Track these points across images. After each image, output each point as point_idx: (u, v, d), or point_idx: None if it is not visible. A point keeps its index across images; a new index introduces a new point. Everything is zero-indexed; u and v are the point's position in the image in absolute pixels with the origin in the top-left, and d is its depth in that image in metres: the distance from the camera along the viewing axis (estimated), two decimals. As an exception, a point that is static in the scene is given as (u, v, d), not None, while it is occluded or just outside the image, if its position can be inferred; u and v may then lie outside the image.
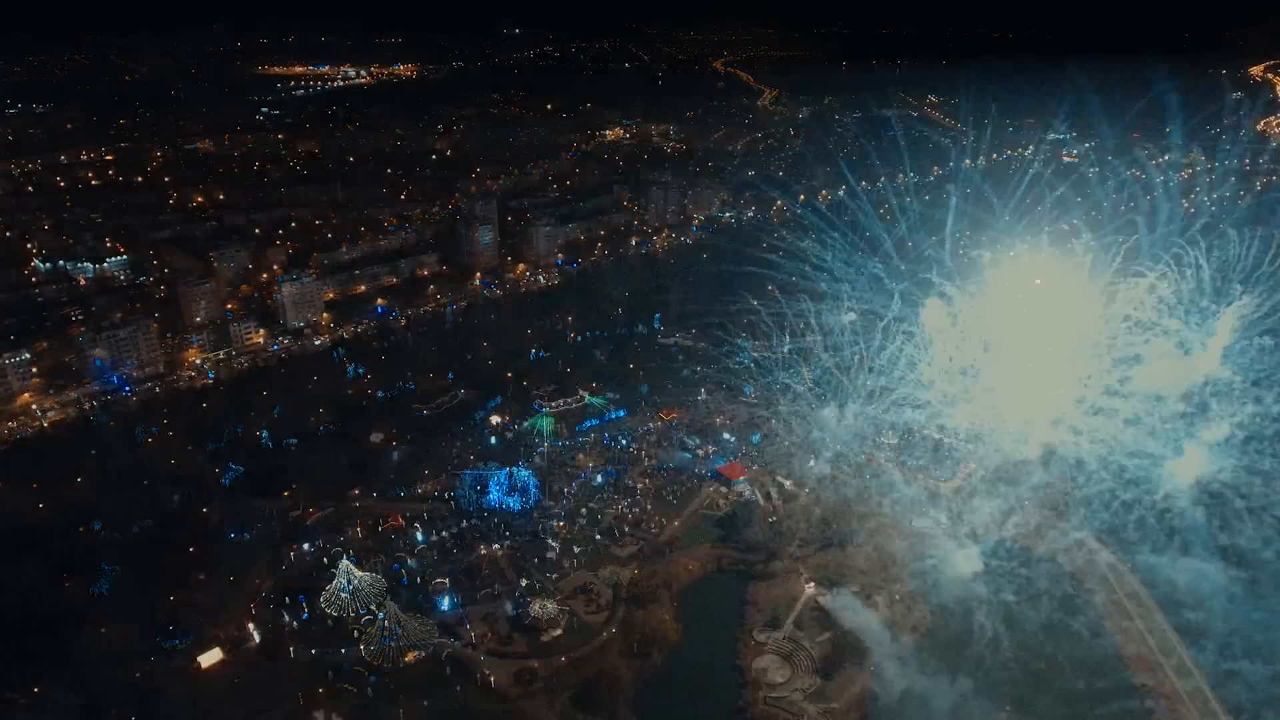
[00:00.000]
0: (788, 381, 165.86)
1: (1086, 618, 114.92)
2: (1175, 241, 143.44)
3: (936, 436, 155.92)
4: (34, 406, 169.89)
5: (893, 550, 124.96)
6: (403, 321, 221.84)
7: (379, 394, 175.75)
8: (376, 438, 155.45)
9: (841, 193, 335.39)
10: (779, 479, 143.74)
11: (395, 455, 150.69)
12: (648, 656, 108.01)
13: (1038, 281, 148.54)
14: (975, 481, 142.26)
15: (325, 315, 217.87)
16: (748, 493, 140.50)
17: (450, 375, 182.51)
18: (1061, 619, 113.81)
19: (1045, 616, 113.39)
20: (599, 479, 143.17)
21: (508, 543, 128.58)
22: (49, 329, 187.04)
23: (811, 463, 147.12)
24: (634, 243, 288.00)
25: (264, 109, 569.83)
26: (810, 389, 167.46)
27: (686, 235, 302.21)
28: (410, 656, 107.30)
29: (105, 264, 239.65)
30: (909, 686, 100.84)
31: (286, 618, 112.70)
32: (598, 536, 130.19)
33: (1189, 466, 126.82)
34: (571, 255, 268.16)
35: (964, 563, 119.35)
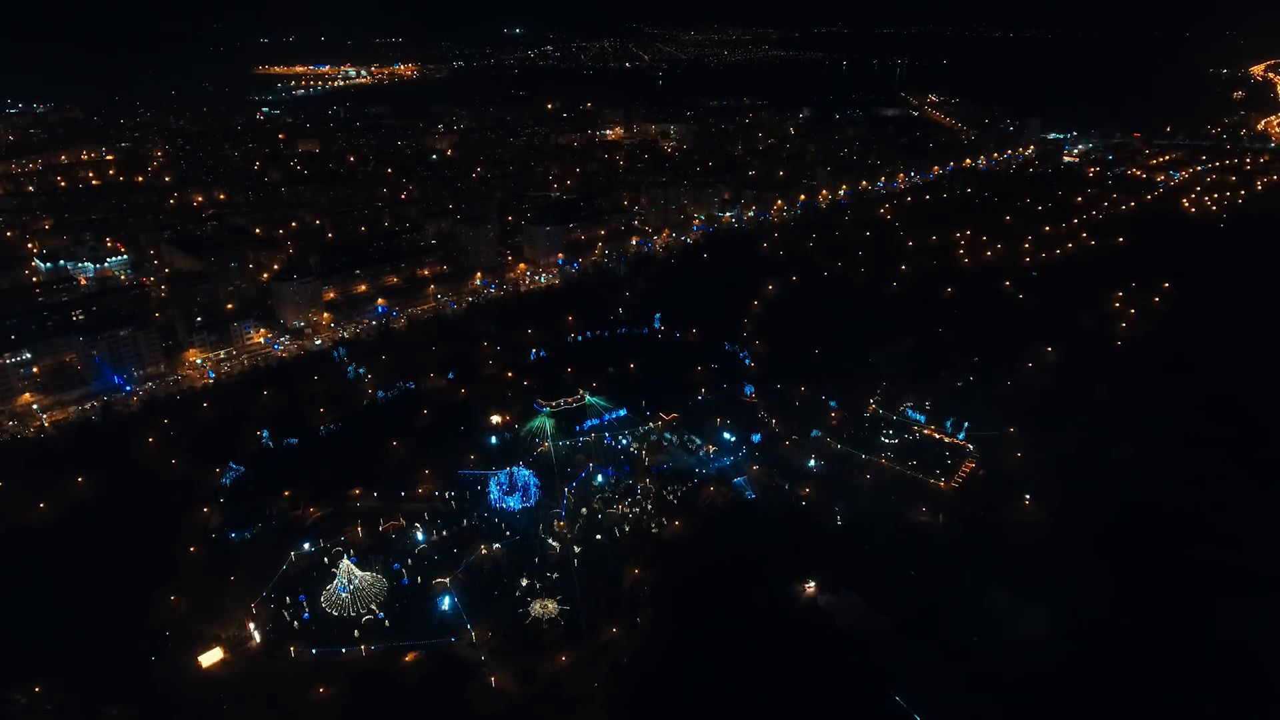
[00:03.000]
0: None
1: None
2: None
3: (936, 436, 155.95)
4: (34, 406, 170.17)
5: (895, 550, 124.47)
6: (402, 321, 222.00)
7: (379, 394, 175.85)
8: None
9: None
10: (779, 479, 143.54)
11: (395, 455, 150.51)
12: (648, 656, 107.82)
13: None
14: (980, 483, 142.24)
15: (325, 315, 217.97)
16: (748, 492, 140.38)
17: (450, 375, 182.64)
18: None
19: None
20: (599, 479, 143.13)
21: (508, 542, 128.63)
22: (50, 329, 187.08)
23: (811, 462, 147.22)
24: (634, 243, 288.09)
25: (264, 109, 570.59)
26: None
27: (686, 235, 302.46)
28: (410, 657, 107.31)
29: (105, 264, 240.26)
30: (912, 687, 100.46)
31: (287, 618, 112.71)
32: (598, 536, 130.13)
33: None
34: (572, 255, 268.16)
35: (970, 568, 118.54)
